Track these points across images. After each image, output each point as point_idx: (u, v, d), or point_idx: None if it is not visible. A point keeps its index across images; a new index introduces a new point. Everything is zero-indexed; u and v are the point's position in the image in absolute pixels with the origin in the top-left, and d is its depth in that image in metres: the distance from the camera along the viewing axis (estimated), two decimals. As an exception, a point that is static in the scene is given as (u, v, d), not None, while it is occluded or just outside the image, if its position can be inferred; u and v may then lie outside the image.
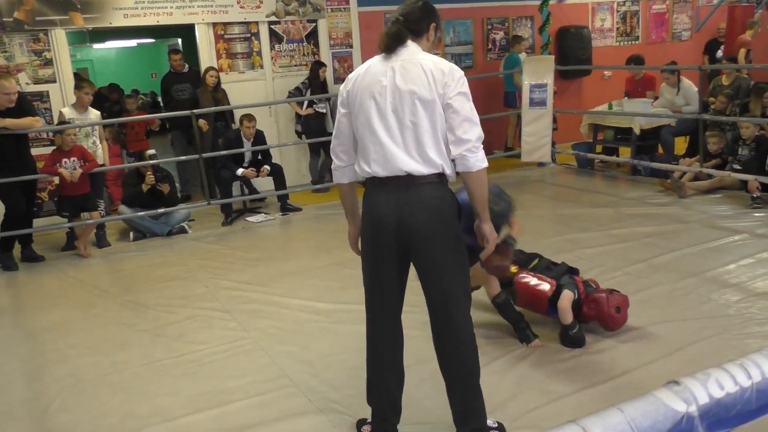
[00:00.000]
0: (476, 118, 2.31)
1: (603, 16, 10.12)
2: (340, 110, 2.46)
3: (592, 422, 0.80)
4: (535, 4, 8.54)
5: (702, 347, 3.23)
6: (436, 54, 2.45)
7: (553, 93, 7.44)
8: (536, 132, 7.48)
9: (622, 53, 9.34)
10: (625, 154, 7.76)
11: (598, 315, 3.46)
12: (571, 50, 9.43)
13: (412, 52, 2.35)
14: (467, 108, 2.29)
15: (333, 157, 2.51)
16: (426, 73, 2.28)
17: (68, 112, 6.05)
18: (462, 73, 2.34)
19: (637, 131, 7.16)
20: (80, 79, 6.56)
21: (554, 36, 9.20)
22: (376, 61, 2.41)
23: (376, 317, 2.53)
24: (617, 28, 10.29)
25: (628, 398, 0.89)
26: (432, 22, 2.44)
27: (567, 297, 3.46)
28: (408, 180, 2.31)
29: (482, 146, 2.32)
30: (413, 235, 2.33)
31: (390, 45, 2.35)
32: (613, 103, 7.62)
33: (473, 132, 2.28)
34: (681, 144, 7.48)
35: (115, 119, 7.67)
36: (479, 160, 2.29)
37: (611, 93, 8.37)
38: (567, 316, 3.41)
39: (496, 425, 2.64)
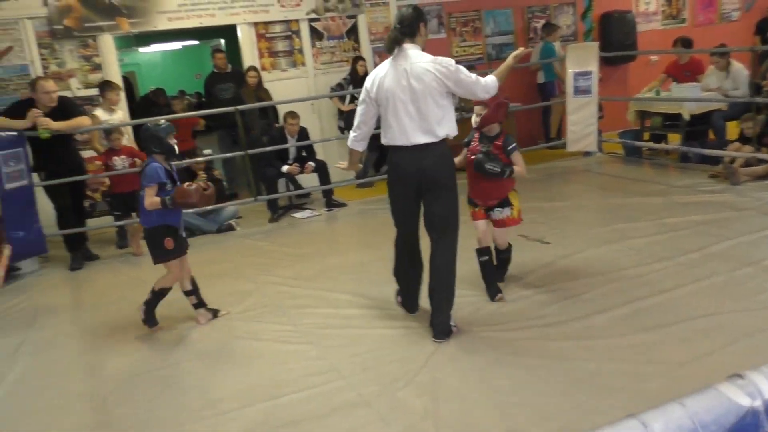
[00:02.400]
0: (474, 78, 3.38)
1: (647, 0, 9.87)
2: (368, 103, 3.48)
3: (652, 417, 0.78)
4: (577, -9, 8.40)
5: (761, 339, 3.13)
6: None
7: (598, 80, 7.29)
8: (581, 121, 7.34)
9: (668, 36, 9.08)
10: (674, 140, 7.57)
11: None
12: (615, 36, 9.23)
13: (413, 54, 3.33)
14: (469, 81, 3.37)
15: (358, 138, 3.62)
16: (433, 72, 3.28)
17: (101, 114, 6.18)
18: (453, 61, 3.33)
19: (686, 117, 6.97)
20: (106, 82, 6.64)
21: (597, 22, 9.03)
22: (388, 65, 3.40)
23: (403, 235, 3.67)
24: (663, 11, 10.01)
25: (686, 393, 0.87)
26: (421, 22, 3.39)
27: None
28: (422, 146, 3.37)
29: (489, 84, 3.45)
30: (427, 178, 3.39)
31: (390, 47, 3.38)
32: (654, 86, 7.43)
33: (480, 88, 3.42)
34: (733, 129, 7.25)
35: (158, 117, 7.72)
36: (487, 91, 3.46)
37: (658, 78, 8.15)
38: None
39: (455, 325, 3.53)
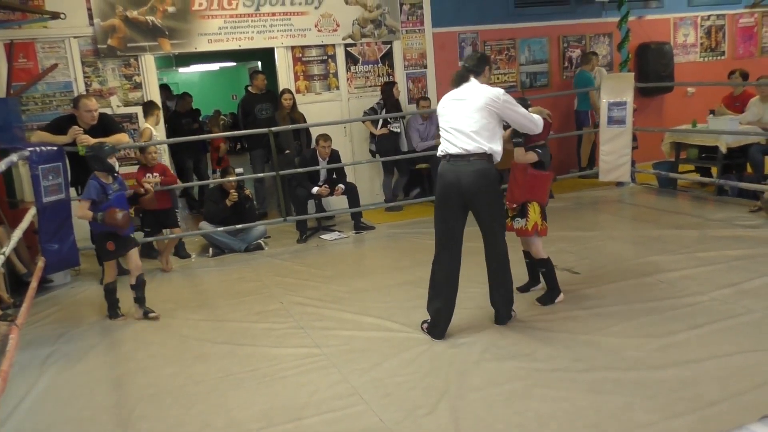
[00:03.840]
0: (522, 113, 3.83)
1: (686, 32, 9.79)
2: (436, 118, 4.06)
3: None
4: (614, 21, 8.37)
5: (797, 379, 3.03)
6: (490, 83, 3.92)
7: (632, 111, 7.23)
8: (614, 151, 7.26)
9: (706, 69, 8.99)
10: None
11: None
12: (652, 67, 9.17)
13: (475, 85, 3.81)
14: (517, 114, 3.82)
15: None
16: (487, 95, 3.72)
17: (154, 130, 6.29)
18: (503, 92, 3.76)
19: (723, 150, 6.85)
20: (152, 102, 6.87)
21: (634, 53, 8.98)
22: (455, 90, 3.88)
23: (443, 249, 3.80)
24: (701, 44, 9.92)
25: None
26: (486, 66, 3.90)
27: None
28: (466, 156, 3.70)
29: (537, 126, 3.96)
30: (468, 191, 3.70)
31: (457, 81, 3.88)
32: (697, 123, 7.34)
33: (529, 124, 3.91)
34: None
35: (188, 137, 7.81)
36: (531, 130, 3.97)
37: (694, 110, 8.06)
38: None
39: (515, 312, 4.03)
